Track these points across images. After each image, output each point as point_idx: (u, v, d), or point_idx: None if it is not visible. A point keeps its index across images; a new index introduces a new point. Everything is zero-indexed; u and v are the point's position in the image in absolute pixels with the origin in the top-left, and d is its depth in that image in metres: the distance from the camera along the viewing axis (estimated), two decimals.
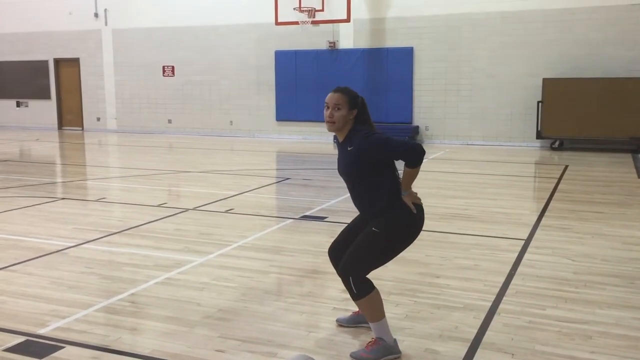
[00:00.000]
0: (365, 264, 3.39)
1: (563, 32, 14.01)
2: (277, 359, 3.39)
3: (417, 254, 5.39)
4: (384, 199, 3.38)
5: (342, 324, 3.83)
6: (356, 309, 3.93)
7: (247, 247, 5.72)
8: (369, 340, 3.47)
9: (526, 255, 5.39)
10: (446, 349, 3.52)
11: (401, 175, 3.44)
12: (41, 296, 4.41)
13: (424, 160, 3.36)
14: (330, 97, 3.45)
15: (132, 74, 18.62)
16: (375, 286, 3.43)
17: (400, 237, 3.43)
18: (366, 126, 3.47)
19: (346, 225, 3.73)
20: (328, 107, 3.44)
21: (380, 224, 3.36)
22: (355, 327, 3.80)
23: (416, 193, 3.43)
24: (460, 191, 8.72)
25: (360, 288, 3.36)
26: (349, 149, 3.41)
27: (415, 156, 3.33)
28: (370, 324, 3.44)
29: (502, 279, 4.74)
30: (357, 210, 3.61)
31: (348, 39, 15.89)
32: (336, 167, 3.71)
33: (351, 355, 3.40)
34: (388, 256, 3.46)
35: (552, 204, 7.76)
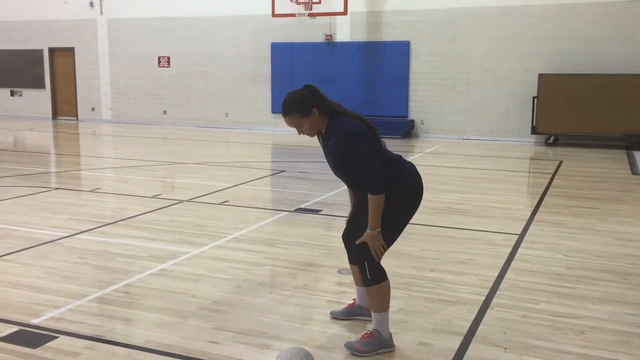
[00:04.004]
0: None
1: (560, 27, 14.01)
2: (271, 350, 3.40)
3: (411, 248, 5.40)
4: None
5: (337, 316, 3.83)
6: (349, 301, 3.94)
7: (241, 239, 5.72)
8: (364, 332, 3.48)
9: (520, 250, 5.41)
10: (439, 342, 3.53)
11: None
12: (35, 286, 4.40)
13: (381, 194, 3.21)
14: (286, 122, 3.38)
15: (127, 64, 18.53)
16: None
17: (404, 213, 3.37)
18: (339, 114, 3.34)
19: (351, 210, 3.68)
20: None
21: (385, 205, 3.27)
22: (350, 319, 3.80)
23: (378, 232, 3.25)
24: (455, 186, 8.74)
25: (375, 274, 3.33)
26: (330, 142, 3.33)
27: (376, 182, 3.21)
28: (373, 314, 3.42)
29: (495, 274, 4.75)
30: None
31: (345, 31, 15.86)
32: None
33: (345, 345, 3.41)
34: (396, 234, 3.38)
35: (546, 199, 7.78)
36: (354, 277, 3.79)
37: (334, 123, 3.33)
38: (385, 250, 3.33)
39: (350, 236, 3.57)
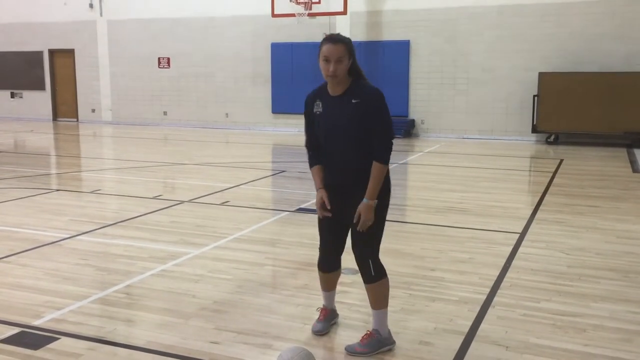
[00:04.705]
0: (378, 241, 3.36)
1: (559, 26, 14.00)
2: (272, 350, 3.39)
3: (412, 247, 5.40)
4: (370, 161, 3.24)
5: (321, 332, 3.62)
6: (350, 301, 3.92)
7: (242, 240, 5.72)
8: (363, 334, 3.47)
9: (521, 249, 5.41)
10: (441, 341, 3.53)
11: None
12: (36, 287, 4.40)
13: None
14: (331, 50, 3.17)
15: (127, 66, 18.53)
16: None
17: (387, 200, 3.37)
18: (364, 78, 3.33)
19: (324, 229, 3.50)
20: (328, 61, 3.18)
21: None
22: (331, 328, 3.69)
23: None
24: (456, 185, 8.73)
25: (379, 270, 3.35)
26: (353, 101, 3.21)
27: (389, 151, 3.23)
28: (374, 312, 3.41)
29: (497, 272, 4.75)
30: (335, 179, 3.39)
31: (344, 31, 15.82)
32: None
33: (346, 349, 3.40)
34: (384, 224, 3.39)
35: (547, 197, 7.78)
36: (325, 282, 3.67)
37: (361, 84, 3.28)
38: (380, 242, 3.37)
39: (334, 241, 3.52)
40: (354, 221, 3.28)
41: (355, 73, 3.32)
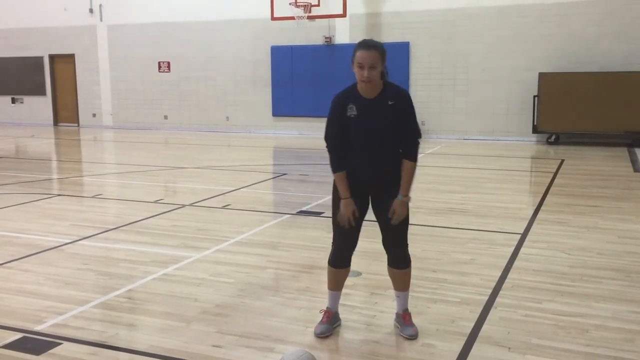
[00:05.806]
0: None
1: (559, 26, 14.00)
2: (274, 354, 3.39)
3: (413, 248, 5.36)
4: (399, 160, 3.48)
5: (325, 334, 3.60)
6: (353, 303, 3.92)
7: (244, 243, 5.72)
8: (404, 315, 3.65)
9: (522, 250, 5.40)
10: (443, 343, 3.53)
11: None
12: (38, 293, 4.40)
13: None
14: (365, 56, 3.30)
15: (127, 70, 18.55)
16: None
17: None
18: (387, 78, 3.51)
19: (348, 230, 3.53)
20: (362, 67, 3.30)
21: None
22: (334, 330, 3.68)
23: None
24: (457, 186, 8.73)
25: (409, 255, 3.66)
26: (389, 103, 3.40)
27: (418, 149, 3.46)
28: (404, 293, 3.67)
29: (498, 273, 4.75)
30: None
31: (344, 34, 15.86)
32: None
33: (408, 335, 3.55)
34: None
35: (548, 198, 7.78)
36: (335, 279, 3.70)
37: (392, 86, 3.48)
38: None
39: (353, 237, 3.59)
40: (389, 216, 3.46)
41: (383, 75, 3.47)
